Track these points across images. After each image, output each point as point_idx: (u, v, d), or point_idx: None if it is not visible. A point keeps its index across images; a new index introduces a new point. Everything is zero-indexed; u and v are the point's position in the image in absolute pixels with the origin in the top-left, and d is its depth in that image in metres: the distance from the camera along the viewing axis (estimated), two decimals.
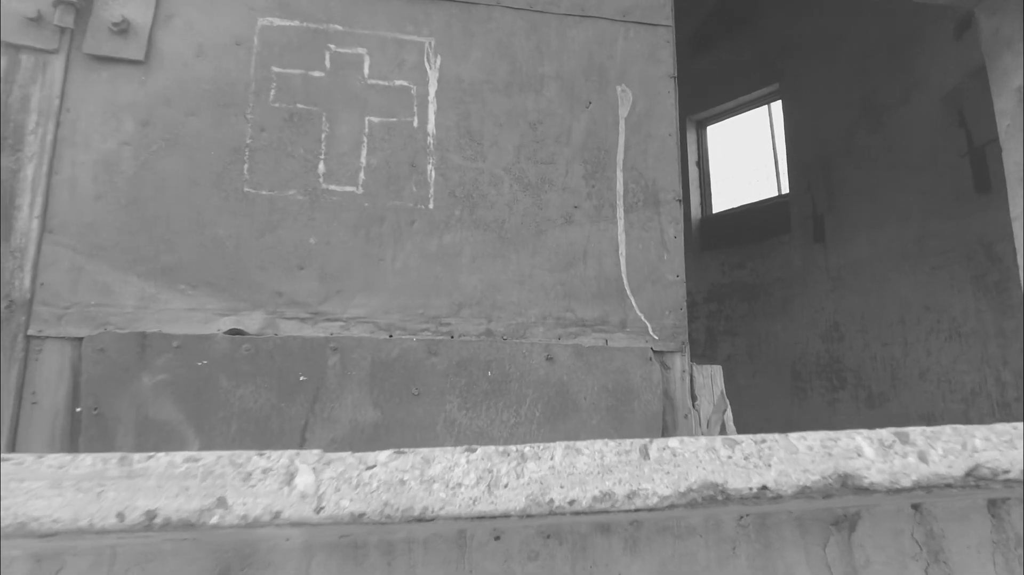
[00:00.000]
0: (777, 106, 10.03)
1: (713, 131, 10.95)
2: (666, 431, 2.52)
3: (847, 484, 1.59)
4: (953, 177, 7.31)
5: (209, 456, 1.38)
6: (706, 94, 10.72)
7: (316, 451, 1.43)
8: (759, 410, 9.55)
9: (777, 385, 9.34)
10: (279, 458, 1.40)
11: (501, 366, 2.47)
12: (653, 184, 2.73)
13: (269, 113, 2.61)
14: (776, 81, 9.87)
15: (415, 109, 2.70)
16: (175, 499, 1.32)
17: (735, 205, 10.53)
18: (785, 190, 9.71)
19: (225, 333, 2.41)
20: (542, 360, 2.49)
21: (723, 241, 10.36)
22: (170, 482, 1.34)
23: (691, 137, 10.92)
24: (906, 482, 1.58)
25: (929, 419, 7.38)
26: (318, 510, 1.35)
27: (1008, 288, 6.60)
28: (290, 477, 1.38)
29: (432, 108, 2.69)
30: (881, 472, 1.58)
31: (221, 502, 1.33)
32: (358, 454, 1.43)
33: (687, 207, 10.68)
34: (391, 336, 2.48)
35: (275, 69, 2.65)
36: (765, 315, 9.59)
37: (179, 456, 1.37)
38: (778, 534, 2.17)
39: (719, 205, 10.76)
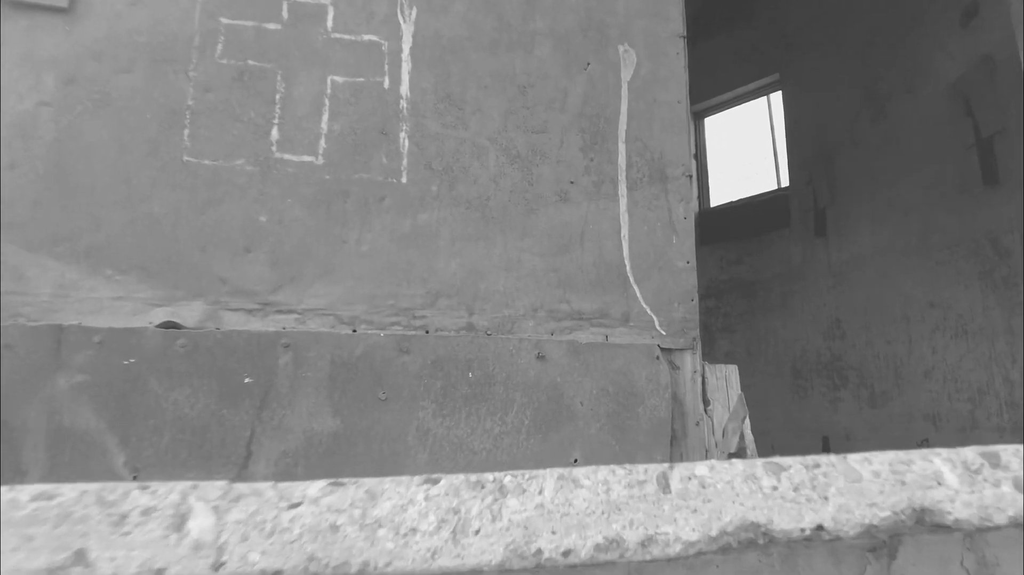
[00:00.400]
0: (777, 97, 9.65)
1: (711, 123, 10.57)
2: (675, 441, 2.13)
3: (924, 521, 1.20)
4: (959, 169, 6.95)
5: (69, 492, 0.98)
6: (703, 84, 10.33)
7: (221, 483, 1.02)
8: (759, 409, 9.16)
9: (777, 383, 8.97)
10: (167, 494, 1.00)
11: (484, 365, 2.06)
12: (660, 157, 2.34)
13: (215, 71, 2.19)
14: (776, 71, 9.49)
15: (386, 68, 2.29)
16: (12, 555, 0.93)
17: (733, 199, 10.15)
18: (785, 183, 9.34)
19: (157, 326, 1.99)
20: (532, 359, 2.08)
21: (721, 236, 9.98)
22: (8, 531, 0.94)
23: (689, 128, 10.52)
24: (1001, 518, 1.19)
25: (935, 419, 7.02)
26: (217, 566, 0.95)
27: (1017, 283, 6.24)
28: (181, 520, 0.98)
29: (406, 67, 2.28)
30: (967, 505, 1.19)
31: (80, 557, 0.94)
32: (280, 486, 1.04)
33: None
34: (355, 331, 2.07)
35: (223, 20, 2.23)
36: (764, 312, 9.22)
37: (25, 492, 0.97)
38: (808, 564, 1.79)
39: (717, 199, 10.38)
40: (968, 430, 6.70)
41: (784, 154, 9.33)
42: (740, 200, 10.05)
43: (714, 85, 10.21)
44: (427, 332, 2.12)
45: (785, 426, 8.82)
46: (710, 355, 9.69)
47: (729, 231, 9.88)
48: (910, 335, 7.40)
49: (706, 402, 2.21)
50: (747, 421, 2.23)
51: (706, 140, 10.55)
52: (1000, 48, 6.49)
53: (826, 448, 6.92)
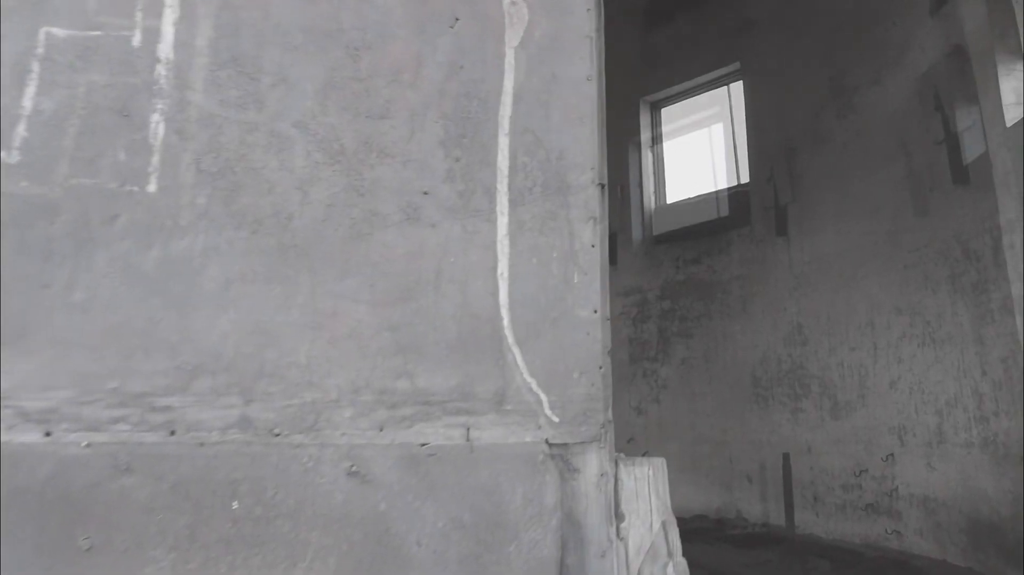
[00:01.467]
0: (738, 87, 8.89)
1: (668, 113, 9.79)
2: None
3: None
4: (928, 166, 6.24)
5: None
6: (661, 73, 9.54)
7: None
8: (717, 419, 8.45)
9: (736, 392, 8.24)
10: None
11: (260, 489, 1.22)
12: (559, 158, 1.53)
13: None
14: (737, 59, 8.73)
15: (137, 16, 1.45)
16: None
17: (691, 195, 9.40)
18: (745, 179, 8.60)
19: None
20: (341, 476, 1.24)
21: (678, 234, 9.22)
22: None
23: (644, 120, 9.74)
24: None
25: (900, 433, 6.34)
26: None
27: (987, 290, 5.54)
28: None
29: (171, 14, 1.44)
30: None
31: None
32: None
33: (638, 197, 9.53)
34: (48, 435, 1.23)
35: None
36: (723, 315, 8.48)
37: None
38: None
39: (674, 195, 9.63)
40: (935, 445, 6.03)
41: (745, 148, 8.58)
42: (698, 196, 9.28)
43: (673, 74, 9.42)
44: (172, 434, 1.27)
45: (744, 438, 8.09)
46: (666, 360, 8.96)
47: (687, 229, 9.13)
48: (875, 343, 6.71)
49: (619, 517, 1.43)
50: (678, 561, 1.44)
51: (663, 132, 9.78)
52: (971, 39, 5.78)
53: (787, 466, 6.22)
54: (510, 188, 1.51)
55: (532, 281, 1.51)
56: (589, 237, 1.55)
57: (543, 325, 1.48)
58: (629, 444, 9.19)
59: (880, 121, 6.82)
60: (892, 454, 6.40)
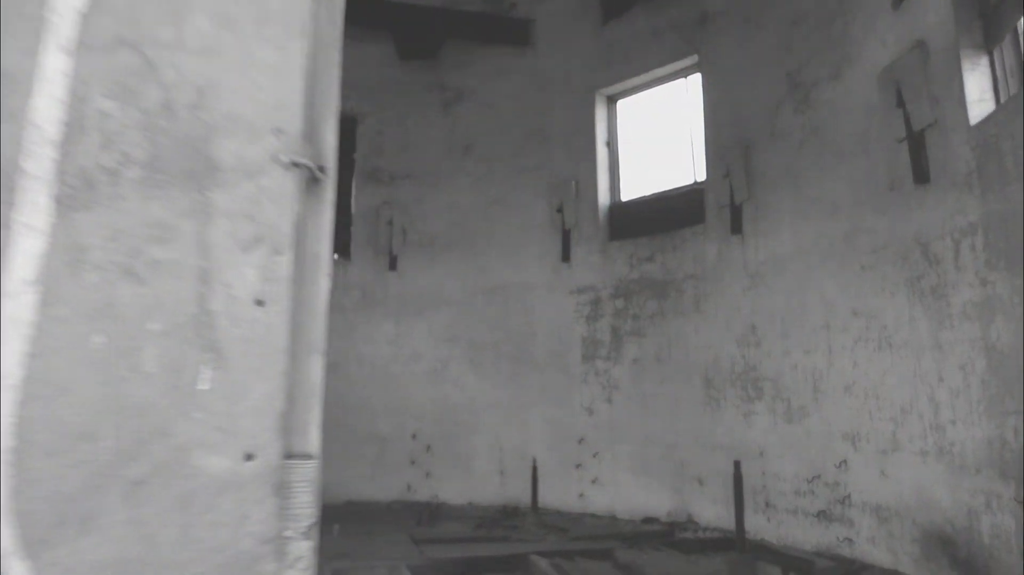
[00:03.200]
0: (696, 79, 8.53)
1: (624, 106, 9.41)
2: None
3: None
4: (888, 165, 5.93)
5: None
6: (618, 67, 9.16)
7: None
8: (668, 420, 8.12)
9: (688, 393, 7.92)
10: None
11: None
12: (195, 106, 0.95)
13: None
14: (695, 52, 8.37)
15: None
16: None
17: (647, 193, 9.04)
18: (702, 176, 8.26)
19: None
20: None
21: (633, 231, 8.85)
22: None
23: (600, 114, 9.36)
24: None
25: (854, 439, 6.05)
26: None
27: (946, 295, 5.25)
28: None
29: None
30: None
31: None
32: None
33: (593, 193, 9.15)
34: None
35: None
36: (676, 314, 8.15)
37: None
38: None
39: (629, 192, 9.26)
40: (890, 452, 5.75)
41: (702, 144, 8.24)
42: (654, 194, 8.93)
43: (629, 67, 9.04)
44: None
45: (695, 440, 7.77)
46: (618, 359, 8.60)
47: (642, 226, 8.76)
48: (830, 345, 6.42)
49: None
50: None
51: (619, 126, 9.40)
52: (934, 33, 5.47)
53: (737, 473, 5.90)
54: (61, 172, 0.92)
55: (86, 388, 0.88)
56: (258, 277, 0.98)
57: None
58: (580, 445, 8.84)
59: (839, 118, 6.51)
60: (845, 460, 6.12)
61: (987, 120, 4.93)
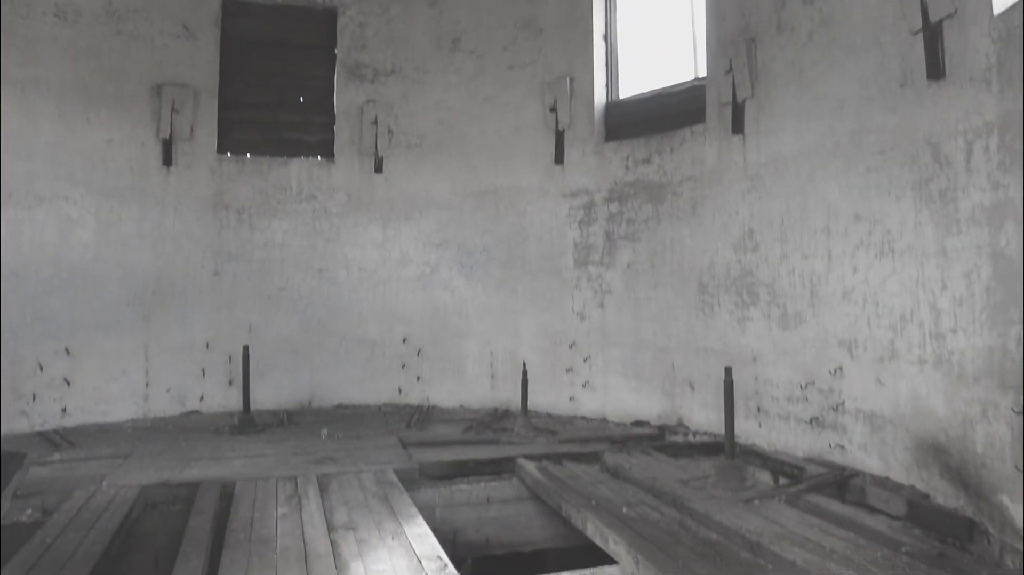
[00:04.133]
0: None
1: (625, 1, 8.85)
2: None
3: None
4: (901, 60, 5.53)
5: None
6: None
7: None
8: (661, 325, 7.97)
9: (681, 298, 7.74)
10: None
11: None
12: None
13: None
14: None
15: None
16: None
17: (646, 90, 8.61)
18: (703, 73, 7.82)
19: None
20: None
21: (630, 131, 8.46)
22: None
23: (598, 4, 8.80)
24: None
25: (851, 347, 5.92)
26: None
27: (955, 198, 4.99)
28: None
29: None
30: None
31: None
32: None
33: (588, 91, 8.71)
34: None
35: None
36: (672, 219, 7.88)
37: None
38: None
39: (627, 90, 8.82)
40: (886, 360, 5.62)
41: (704, 38, 7.77)
42: (653, 92, 8.49)
43: None
44: None
45: (688, 345, 7.66)
46: (611, 264, 8.40)
47: (640, 126, 8.38)
48: (830, 251, 6.19)
49: None
50: None
51: (618, 21, 8.86)
52: None
53: (728, 378, 5.77)
54: None
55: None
56: None
57: None
58: (571, 349, 8.75)
59: (850, 9, 6.06)
60: (841, 367, 6.00)
61: (1013, 9, 4.54)
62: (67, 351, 8.24)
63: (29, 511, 5.25)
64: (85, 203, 8.44)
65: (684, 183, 7.72)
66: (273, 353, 9.31)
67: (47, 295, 8.11)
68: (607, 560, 4.57)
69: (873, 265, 5.77)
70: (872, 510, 5.04)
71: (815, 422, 6.19)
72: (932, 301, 5.20)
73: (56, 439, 7.38)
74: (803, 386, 6.31)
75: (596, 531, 4.80)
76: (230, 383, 9.04)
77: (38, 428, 7.92)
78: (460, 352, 9.55)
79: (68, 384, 8.25)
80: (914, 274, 5.38)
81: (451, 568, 3.92)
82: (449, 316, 9.61)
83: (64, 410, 8.20)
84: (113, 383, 8.56)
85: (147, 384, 8.78)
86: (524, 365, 7.84)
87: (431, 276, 9.65)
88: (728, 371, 5.77)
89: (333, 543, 4.35)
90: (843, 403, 5.93)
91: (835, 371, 6.03)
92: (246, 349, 8.06)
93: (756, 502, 5.10)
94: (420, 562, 4.02)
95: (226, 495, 5.47)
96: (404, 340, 9.68)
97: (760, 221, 6.86)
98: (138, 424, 8.42)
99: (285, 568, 3.94)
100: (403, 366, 9.68)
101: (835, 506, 5.04)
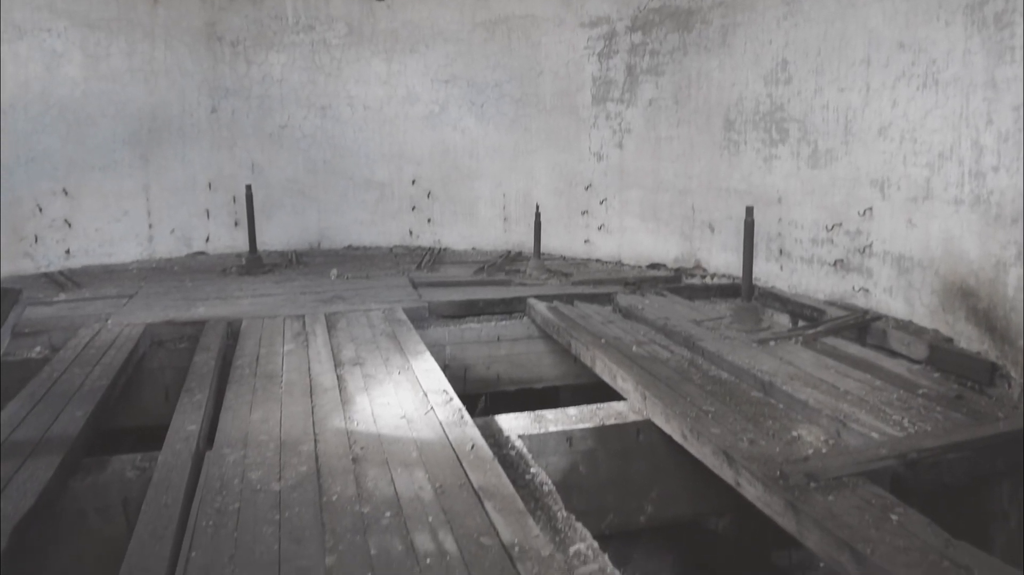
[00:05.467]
0: None
1: None
2: None
3: None
4: None
5: None
6: None
7: None
8: (682, 165, 7.75)
9: (705, 136, 7.47)
10: None
11: None
12: None
13: None
14: None
15: None
16: None
17: None
18: None
19: None
20: None
21: None
22: None
23: None
24: None
25: (883, 186, 5.71)
26: None
27: (1012, 22, 4.62)
28: None
29: None
30: None
31: None
32: None
33: None
34: None
35: None
36: (699, 49, 7.45)
37: None
38: None
39: None
40: (920, 200, 5.44)
41: None
42: None
43: None
44: None
45: (709, 185, 7.47)
46: (632, 100, 8.07)
47: None
48: (869, 83, 5.86)
49: None
50: None
51: None
52: None
53: (749, 219, 5.61)
54: None
55: None
56: None
57: None
58: (587, 191, 8.59)
59: None
60: (871, 208, 5.83)
61: None
62: (65, 192, 8.18)
63: (38, 348, 5.38)
64: (70, 35, 8.09)
65: (714, 9, 7.25)
66: (279, 194, 9.23)
67: (39, 134, 7.96)
68: (616, 397, 4.64)
69: (914, 98, 5.46)
70: (892, 354, 5.03)
71: (839, 265, 6.10)
72: (975, 137, 4.95)
73: (61, 280, 7.46)
74: (829, 228, 6.17)
75: (605, 368, 4.84)
76: (236, 224, 9.02)
77: (43, 269, 8.00)
78: (472, 194, 9.41)
79: (69, 225, 8.25)
80: (958, 108, 5.09)
81: (456, 402, 3.98)
82: (460, 157, 9.40)
83: (68, 252, 8.25)
84: (115, 224, 8.56)
85: (150, 225, 8.78)
86: (537, 207, 7.72)
87: (440, 115, 9.35)
88: (749, 211, 5.62)
89: (339, 378, 4.42)
90: (870, 245, 5.81)
91: (864, 212, 5.86)
92: (249, 188, 7.96)
93: (771, 343, 5.10)
94: (426, 395, 4.08)
95: (232, 333, 5.54)
96: (413, 182, 9.53)
97: (795, 51, 6.47)
98: (143, 265, 8.48)
99: (290, 402, 4.01)
100: (413, 208, 9.59)
101: (853, 349, 5.03)
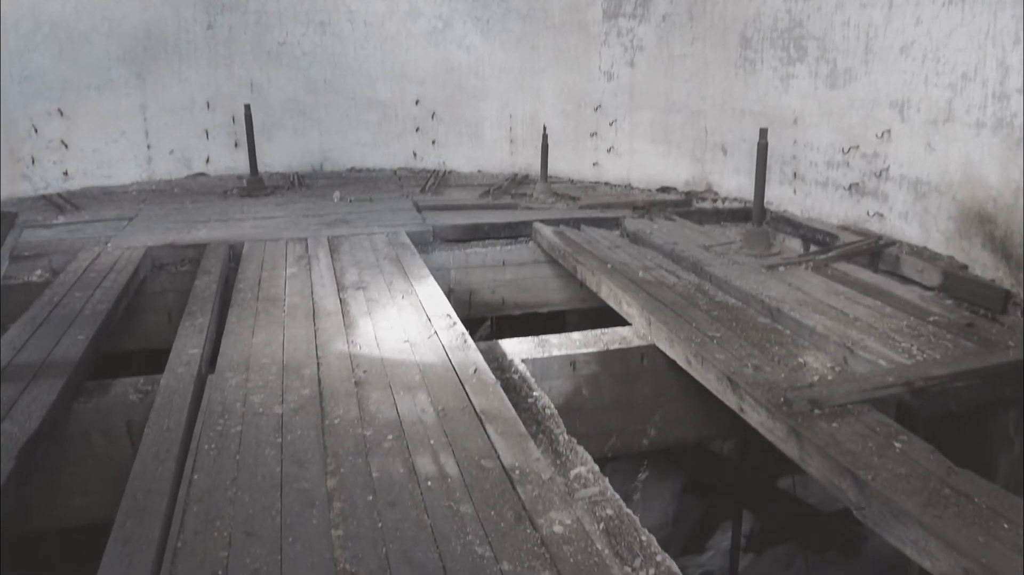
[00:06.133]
0: None
1: None
2: None
3: None
4: None
5: None
6: None
7: None
8: (695, 84, 7.57)
9: (720, 54, 7.27)
10: None
11: None
12: None
13: None
14: None
15: None
16: None
17: None
18: None
19: None
20: None
21: None
22: None
23: None
24: None
25: (902, 108, 5.58)
26: None
27: None
28: None
29: None
30: None
31: None
32: None
33: None
34: None
35: None
36: None
37: None
38: None
39: None
40: (940, 123, 5.32)
41: None
42: None
43: None
44: None
45: (723, 106, 7.31)
46: (645, 16, 7.84)
47: None
48: None
49: None
50: None
51: None
52: None
53: (763, 140, 5.51)
54: None
55: None
56: None
57: None
58: (597, 112, 8.43)
59: None
60: (889, 130, 5.70)
61: None
62: (60, 112, 8.08)
63: (39, 271, 5.40)
64: None
65: None
66: (279, 114, 9.10)
67: (31, 52, 7.80)
68: (621, 322, 4.65)
69: (939, 15, 5.28)
70: (905, 280, 5.00)
71: (855, 189, 6.01)
72: (1001, 57, 4.80)
73: (60, 202, 7.44)
74: (846, 150, 6.06)
75: (610, 293, 4.84)
76: (236, 145, 8.93)
77: (41, 191, 7.97)
78: (477, 115, 9.25)
79: (66, 146, 8.17)
80: (985, 26, 4.92)
81: (460, 326, 4.00)
82: (464, 76, 9.20)
83: (66, 173, 8.20)
84: (113, 145, 8.48)
85: (149, 146, 8.70)
86: (544, 129, 7.59)
87: (444, 31, 9.12)
88: (763, 132, 5.51)
89: (342, 301, 4.43)
90: (887, 169, 5.71)
91: (882, 134, 5.74)
92: (247, 108, 7.84)
93: (781, 269, 5.07)
94: (429, 319, 4.10)
95: (234, 256, 5.55)
96: (417, 102, 9.36)
97: None
98: (143, 187, 8.44)
99: (293, 325, 4.04)
100: (417, 129, 9.46)
101: (865, 275, 5.00)
